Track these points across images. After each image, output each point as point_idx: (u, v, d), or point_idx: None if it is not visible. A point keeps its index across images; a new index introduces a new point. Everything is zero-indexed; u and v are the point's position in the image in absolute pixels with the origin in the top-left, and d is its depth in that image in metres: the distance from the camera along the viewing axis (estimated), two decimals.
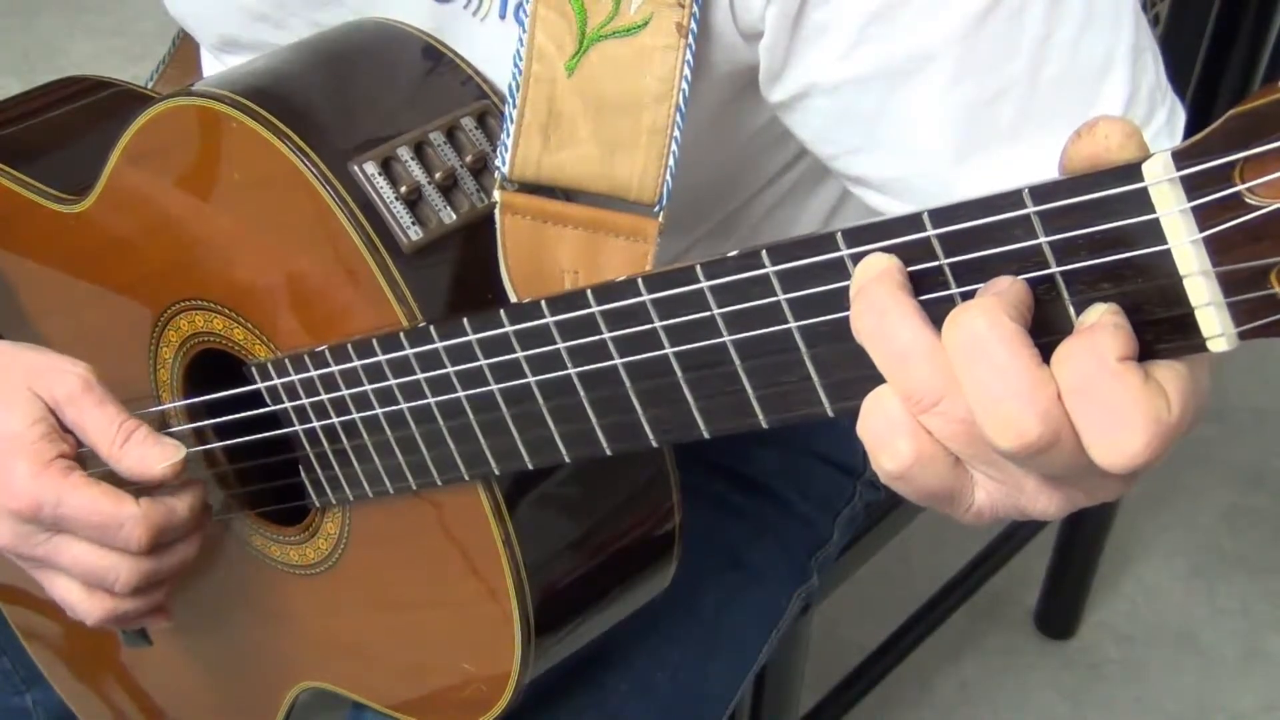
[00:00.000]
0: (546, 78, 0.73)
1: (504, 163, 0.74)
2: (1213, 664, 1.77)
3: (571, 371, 0.65)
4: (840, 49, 0.72)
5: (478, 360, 0.68)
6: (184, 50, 1.07)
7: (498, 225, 0.75)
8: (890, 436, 0.52)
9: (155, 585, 0.83)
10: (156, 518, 0.79)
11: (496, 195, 0.75)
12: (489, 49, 0.78)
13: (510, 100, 0.74)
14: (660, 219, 0.74)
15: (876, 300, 0.52)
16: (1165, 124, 0.76)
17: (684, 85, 0.72)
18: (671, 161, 0.73)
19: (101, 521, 0.78)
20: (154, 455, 0.79)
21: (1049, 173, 0.73)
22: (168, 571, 0.82)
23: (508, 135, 0.74)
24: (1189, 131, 0.75)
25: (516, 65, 0.74)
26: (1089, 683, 1.76)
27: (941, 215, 0.52)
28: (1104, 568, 1.79)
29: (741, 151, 0.87)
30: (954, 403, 0.51)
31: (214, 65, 0.95)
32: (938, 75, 0.71)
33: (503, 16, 0.78)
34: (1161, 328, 0.49)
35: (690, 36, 0.71)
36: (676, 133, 0.73)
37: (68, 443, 0.80)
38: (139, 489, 0.80)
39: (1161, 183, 0.47)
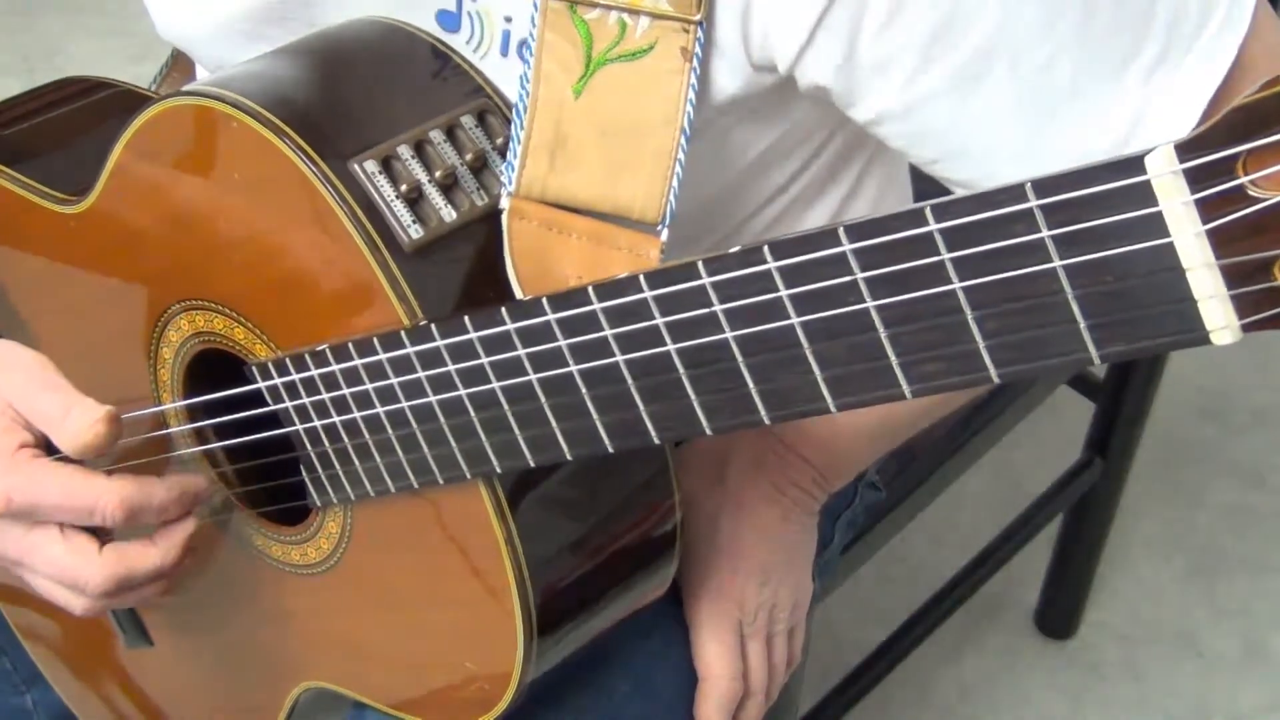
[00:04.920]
0: (554, 101, 0.74)
1: (510, 181, 0.74)
2: (1213, 664, 1.77)
3: (573, 369, 0.65)
4: (902, 79, 0.72)
5: (479, 358, 0.68)
6: (186, 54, 1.07)
7: (505, 230, 0.75)
8: None
9: (145, 583, 0.79)
10: (129, 492, 0.76)
11: (505, 201, 0.75)
12: None
13: (518, 121, 0.74)
14: (663, 238, 0.74)
15: None
16: (1227, 8, 0.73)
17: (689, 109, 0.73)
18: (675, 183, 0.74)
19: (74, 503, 0.76)
20: (85, 420, 0.75)
21: (1114, 118, 0.73)
22: (143, 572, 0.78)
23: (514, 155, 0.74)
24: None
25: (524, 88, 0.74)
26: (1089, 683, 1.76)
27: (944, 210, 0.52)
28: (1104, 568, 1.79)
29: (746, 170, 0.88)
30: None
31: None
32: (999, 67, 0.71)
33: (504, 54, 0.78)
34: (1165, 321, 0.49)
35: (695, 61, 0.72)
36: (681, 155, 0.73)
37: (34, 432, 0.77)
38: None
39: (1164, 175, 0.47)
